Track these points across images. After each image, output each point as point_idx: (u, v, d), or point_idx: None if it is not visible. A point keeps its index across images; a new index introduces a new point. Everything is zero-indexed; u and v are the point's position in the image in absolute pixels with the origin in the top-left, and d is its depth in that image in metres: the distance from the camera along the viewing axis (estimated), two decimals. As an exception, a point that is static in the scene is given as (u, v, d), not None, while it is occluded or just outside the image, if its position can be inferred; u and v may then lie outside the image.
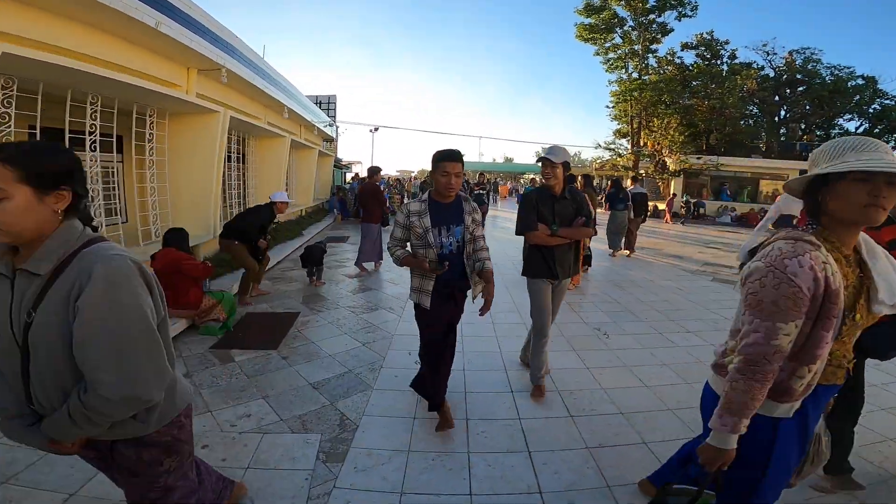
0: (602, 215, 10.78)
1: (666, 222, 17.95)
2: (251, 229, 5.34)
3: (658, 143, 19.47)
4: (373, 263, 7.43)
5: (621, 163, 23.78)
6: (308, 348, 4.17)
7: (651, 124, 20.63)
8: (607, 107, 24.24)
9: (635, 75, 21.84)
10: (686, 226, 17.14)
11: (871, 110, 20.96)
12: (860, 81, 20.49)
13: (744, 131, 21.63)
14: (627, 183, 14.15)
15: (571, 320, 5.21)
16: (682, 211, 17.87)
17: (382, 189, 8.11)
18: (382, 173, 15.50)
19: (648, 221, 13.12)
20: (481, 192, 10.81)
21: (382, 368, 3.78)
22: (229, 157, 8.55)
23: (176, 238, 4.43)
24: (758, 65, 20.74)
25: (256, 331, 4.55)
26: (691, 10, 20.36)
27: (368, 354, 4.06)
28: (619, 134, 24.58)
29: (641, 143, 21.82)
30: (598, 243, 10.76)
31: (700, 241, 12.79)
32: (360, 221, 7.31)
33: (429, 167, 2.77)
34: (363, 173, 14.61)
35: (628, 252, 9.73)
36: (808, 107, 21.98)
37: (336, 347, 4.20)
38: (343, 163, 28.26)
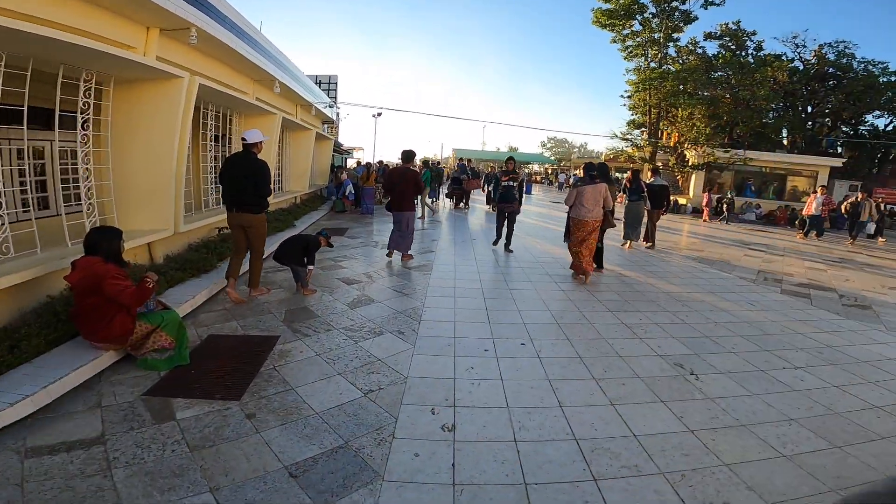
0: (621, 207, 10.20)
1: (704, 221, 16.65)
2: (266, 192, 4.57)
3: (682, 135, 18.10)
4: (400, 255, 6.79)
5: (638, 154, 22.45)
6: (285, 399, 2.89)
7: (671, 115, 19.26)
8: (622, 96, 22.93)
9: (654, 65, 20.43)
10: (730, 224, 15.79)
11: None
12: (893, 78, 19.05)
13: (770, 125, 20.24)
14: (647, 175, 13.13)
15: (640, 351, 3.96)
16: (725, 208, 16.48)
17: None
18: (384, 160, 14.00)
19: (678, 218, 11.82)
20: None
21: (395, 439, 2.52)
22: (216, 138, 7.24)
23: (101, 241, 3.13)
24: (787, 57, 19.33)
25: (214, 367, 3.26)
26: None
27: (372, 411, 2.79)
28: (634, 125, 23.24)
29: (660, 135, 20.45)
30: (612, 240, 9.59)
31: (738, 242, 11.49)
32: (395, 210, 6.63)
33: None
34: (368, 159, 13.27)
35: (648, 244, 9.23)
36: (836, 102, 20.58)
37: (326, 398, 2.92)
38: (343, 147, 26.82)
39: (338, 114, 27.00)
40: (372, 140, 73.77)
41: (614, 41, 21.68)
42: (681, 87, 18.81)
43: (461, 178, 14.26)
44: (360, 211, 12.12)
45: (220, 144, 7.63)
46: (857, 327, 5.07)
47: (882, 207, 13.89)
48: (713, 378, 3.52)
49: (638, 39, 20.93)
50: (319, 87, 20.41)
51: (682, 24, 20.02)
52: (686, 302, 5.58)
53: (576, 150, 64.49)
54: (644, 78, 19.59)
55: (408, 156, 6.77)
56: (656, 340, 4.24)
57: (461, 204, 14.44)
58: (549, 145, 67.97)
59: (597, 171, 6.10)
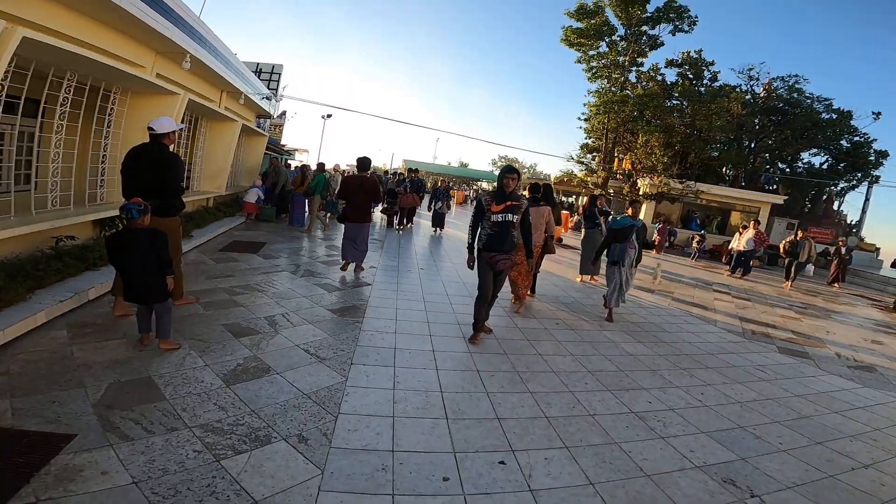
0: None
1: (655, 254, 16.19)
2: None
3: (640, 162, 17.83)
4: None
5: (591, 179, 22.21)
6: None
7: (626, 140, 19.08)
8: (580, 118, 22.75)
9: (614, 89, 20.34)
10: (697, 262, 15.02)
11: (840, 146, 20.70)
12: (835, 115, 20.10)
13: (721, 157, 20.63)
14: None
15: (668, 462, 2.64)
16: (696, 244, 15.71)
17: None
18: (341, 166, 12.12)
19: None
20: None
21: None
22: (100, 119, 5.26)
23: None
24: (741, 89, 19.89)
25: None
26: (689, 25, 19.17)
27: None
28: (587, 149, 23.07)
29: (615, 161, 20.25)
30: (558, 266, 8.61)
31: (700, 281, 10.83)
32: (354, 222, 6.10)
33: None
34: (318, 164, 11.46)
35: (589, 277, 8.29)
36: (780, 138, 21.40)
37: None
38: (286, 148, 24.62)
39: (284, 112, 24.81)
40: (319, 143, 70.45)
41: (579, 61, 21.52)
42: (640, 112, 18.67)
43: (397, 190, 11.83)
44: (288, 221, 10.26)
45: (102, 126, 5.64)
46: (881, 398, 4.36)
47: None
48: (783, 500, 2.28)
49: (603, 61, 20.83)
50: (259, 76, 18.23)
51: (647, 49, 20.10)
52: (691, 371, 4.38)
53: (526, 170, 65.32)
54: (605, 101, 19.33)
55: (363, 164, 6.27)
56: (683, 440, 2.95)
57: (402, 223, 11.72)
58: (499, 164, 68.31)
59: (542, 192, 5.82)
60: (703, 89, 19.68)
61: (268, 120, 23.82)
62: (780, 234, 20.32)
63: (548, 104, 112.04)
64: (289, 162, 16.71)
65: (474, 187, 39.46)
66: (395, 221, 11.77)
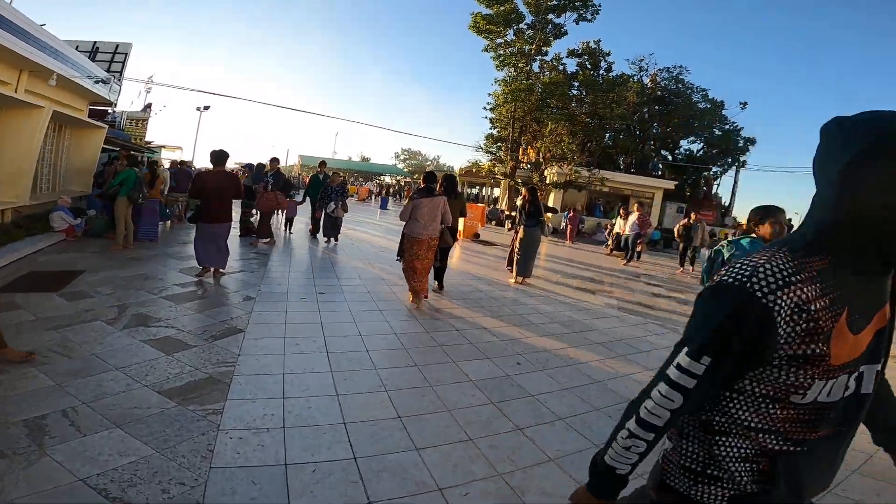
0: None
1: (569, 244, 15.87)
2: None
3: (549, 151, 17.54)
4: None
5: (500, 169, 21.73)
6: None
7: (532, 129, 18.79)
8: (485, 108, 22.11)
9: (520, 78, 20.07)
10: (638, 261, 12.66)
11: (714, 133, 22.62)
12: (708, 105, 21.88)
13: (618, 145, 21.34)
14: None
15: None
16: (642, 244, 12.81)
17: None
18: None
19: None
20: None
21: None
22: None
23: None
24: (634, 80, 20.71)
25: None
26: (592, 14, 19.36)
27: None
28: (493, 139, 22.55)
29: (521, 150, 19.92)
30: (483, 268, 7.55)
31: (627, 274, 10.42)
32: (213, 222, 5.55)
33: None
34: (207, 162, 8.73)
35: (521, 279, 7.28)
36: (664, 127, 22.78)
37: None
38: (152, 145, 20.68)
39: (149, 105, 20.67)
40: (195, 139, 62.07)
41: (487, 49, 21.01)
42: (546, 100, 18.46)
43: (255, 188, 8.63)
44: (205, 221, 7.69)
45: None
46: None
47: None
48: None
49: (510, 49, 20.54)
50: (95, 56, 14.50)
51: (552, 38, 20.07)
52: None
53: (430, 162, 64.57)
54: (513, 89, 18.88)
55: (219, 157, 5.78)
56: None
57: (267, 234, 8.32)
58: (402, 157, 66.59)
59: (445, 183, 5.84)
60: (601, 79, 20.13)
61: (124, 112, 19.53)
62: (671, 218, 21.72)
63: (450, 94, 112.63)
64: (154, 160, 13.34)
65: (377, 182, 37.35)
66: (253, 231, 8.56)
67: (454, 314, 5.09)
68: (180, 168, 11.57)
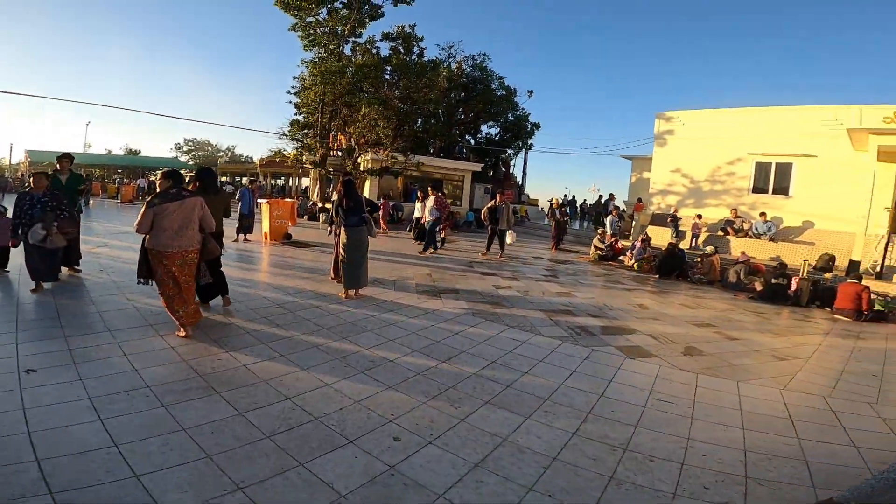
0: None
1: (384, 230, 15.02)
2: None
3: (363, 137, 16.31)
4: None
5: (308, 157, 19.62)
6: None
7: (343, 114, 17.36)
8: (290, 92, 19.81)
9: (331, 59, 18.37)
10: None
11: (508, 118, 24.82)
12: (504, 92, 23.82)
13: (429, 130, 21.46)
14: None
15: None
16: (445, 229, 12.04)
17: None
18: None
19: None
20: None
21: None
22: None
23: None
24: (444, 66, 20.96)
25: None
26: None
27: None
28: (299, 125, 20.26)
29: (332, 137, 18.27)
30: (302, 279, 6.37)
31: (459, 264, 10.18)
32: None
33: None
34: None
35: (354, 292, 6.03)
36: (467, 112, 23.95)
37: None
38: None
39: None
40: None
41: (295, 28, 18.64)
42: (359, 83, 17.18)
43: None
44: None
45: None
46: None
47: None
48: None
49: (322, 29, 18.61)
50: None
51: (367, 20, 18.75)
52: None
53: (222, 153, 56.16)
54: (323, 70, 16.97)
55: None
56: None
57: None
58: (185, 147, 56.05)
59: (200, 178, 4.98)
60: (414, 64, 19.85)
61: None
62: (480, 198, 23.22)
63: (244, 75, 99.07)
64: None
65: (150, 178, 30.17)
66: None
67: (252, 353, 3.64)
68: None
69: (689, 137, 15.18)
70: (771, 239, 12.56)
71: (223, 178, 44.41)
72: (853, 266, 9.95)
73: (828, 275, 10.16)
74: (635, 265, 11.07)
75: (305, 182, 31.71)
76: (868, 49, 74.56)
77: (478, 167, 21.48)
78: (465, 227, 19.24)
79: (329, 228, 6.76)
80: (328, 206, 18.01)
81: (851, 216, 10.82)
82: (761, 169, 13.80)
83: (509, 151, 26.66)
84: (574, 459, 2.64)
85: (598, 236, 12.65)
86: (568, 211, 24.46)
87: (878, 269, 9.59)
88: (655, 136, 16.13)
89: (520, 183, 28.75)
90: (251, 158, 51.54)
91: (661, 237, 12.99)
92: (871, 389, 4.14)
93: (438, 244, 11.25)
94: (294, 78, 20.39)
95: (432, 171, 20.37)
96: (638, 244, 11.46)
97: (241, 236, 10.67)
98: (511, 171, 28.34)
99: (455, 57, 22.96)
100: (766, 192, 13.73)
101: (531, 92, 24.99)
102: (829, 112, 12.62)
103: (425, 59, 20.16)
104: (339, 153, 18.69)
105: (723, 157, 14.39)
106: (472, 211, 21.07)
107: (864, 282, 7.97)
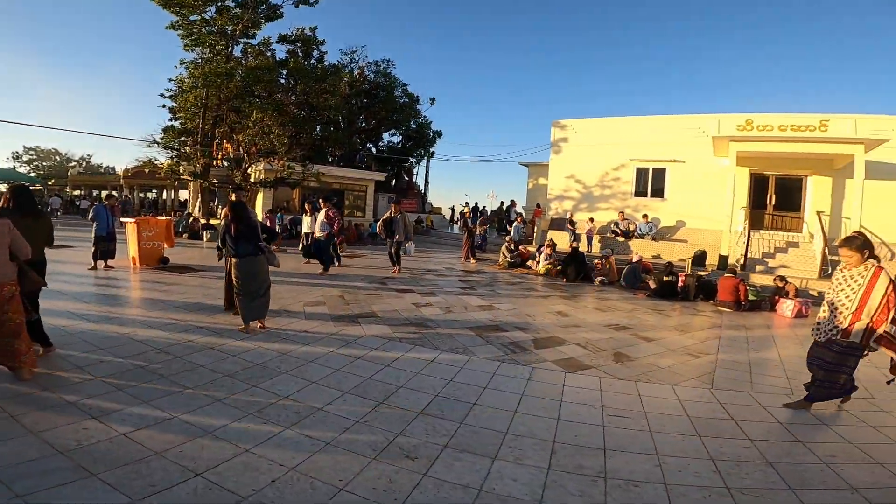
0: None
1: (276, 247, 13.64)
2: None
3: (254, 144, 14.73)
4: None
5: (187, 167, 17.29)
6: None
7: (230, 120, 15.64)
8: (164, 95, 17.36)
9: (216, 61, 16.40)
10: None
11: (410, 126, 24.59)
12: (407, 99, 23.49)
13: (330, 138, 20.27)
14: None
15: None
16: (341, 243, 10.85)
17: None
18: None
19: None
20: None
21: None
22: None
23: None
24: (346, 70, 19.96)
25: None
26: None
27: None
28: (175, 132, 17.86)
29: (216, 145, 16.33)
30: (187, 310, 5.49)
31: (369, 280, 9.57)
32: None
33: None
34: None
35: (260, 324, 5.24)
36: (369, 119, 23.24)
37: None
38: None
39: None
40: None
41: (175, 26, 16.40)
42: (249, 87, 15.57)
43: None
44: None
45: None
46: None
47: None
48: None
49: (208, 28, 16.55)
50: None
51: (263, 20, 17.12)
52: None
53: (75, 163, 47.84)
54: (206, 72, 14.98)
55: None
56: None
57: None
58: (26, 157, 46.59)
59: (13, 198, 4.11)
60: (314, 68, 18.65)
61: None
62: (385, 209, 22.64)
63: (101, 76, 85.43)
64: None
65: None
66: None
67: (131, 417, 2.78)
68: None
69: (582, 144, 16.38)
70: (653, 238, 13.96)
71: (76, 192, 38.00)
72: (723, 260, 11.40)
73: (702, 272, 11.50)
74: (542, 270, 11.45)
75: (184, 195, 28.22)
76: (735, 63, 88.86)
77: (381, 176, 20.90)
78: (369, 240, 18.50)
79: (218, 254, 5.78)
80: (214, 221, 16.04)
81: (718, 215, 12.41)
82: (641, 174, 15.38)
83: (411, 160, 26.51)
84: (560, 499, 2.34)
85: (507, 244, 12.91)
86: (473, 220, 25.00)
87: (742, 262, 11.08)
88: (552, 144, 17.13)
89: (423, 192, 28.78)
90: (112, 169, 44.94)
91: (561, 241, 13.70)
92: (781, 380, 4.53)
93: (336, 261, 10.35)
94: (170, 80, 18.15)
95: (333, 181, 19.32)
96: (546, 249, 11.88)
97: (101, 263, 8.72)
98: (414, 180, 28.25)
99: (358, 62, 22.22)
100: (646, 195, 15.31)
101: (433, 99, 25.28)
102: (694, 121, 14.49)
103: (326, 63, 19.16)
104: (225, 163, 16.83)
105: (610, 163, 15.75)
106: (375, 222, 20.42)
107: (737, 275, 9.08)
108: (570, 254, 11.19)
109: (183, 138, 17.71)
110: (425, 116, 25.08)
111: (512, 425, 3.19)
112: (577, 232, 14.60)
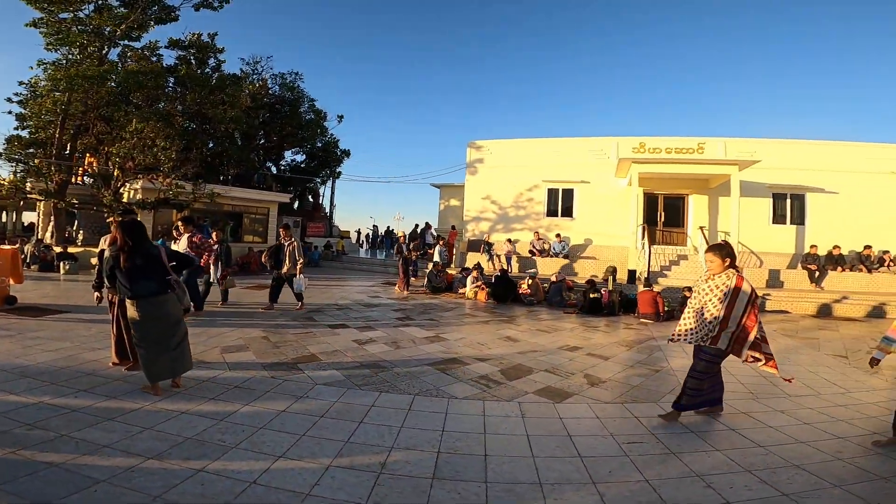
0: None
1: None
2: None
3: (132, 159, 12.43)
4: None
5: (36, 184, 14.10)
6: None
7: (97, 130, 13.14)
8: (11, 100, 14.22)
9: (86, 63, 13.67)
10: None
11: (316, 145, 23.09)
12: (314, 116, 22.04)
13: (228, 154, 18.08)
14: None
15: None
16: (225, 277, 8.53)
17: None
18: None
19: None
20: None
21: None
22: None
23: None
24: (248, 81, 17.97)
25: None
26: (219, 1, 15.18)
27: None
28: (22, 143, 14.58)
29: (76, 158, 13.60)
30: (61, 360, 4.34)
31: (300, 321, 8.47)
32: None
33: None
34: None
35: (174, 381, 4.10)
36: (269, 135, 21.43)
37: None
38: None
39: None
40: None
41: (38, 23, 13.59)
42: (126, 94, 13.21)
43: None
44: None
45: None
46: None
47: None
48: None
49: (81, 27, 13.86)
50: None
51: (152, 22, 14.80)
52: None
53: None
54: (72, 74, 12.30)
55: None
56: None
57: None
58: None
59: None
60: (210, 76, 16.59)
61: None
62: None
63: None
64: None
65: None
66: None
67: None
68: None
69: (497, 165, 16.84)
70: (566, 256, 14.70)
71: None
72: (631, 275, 12.33)
73: (610, 284, 12.31)
74: (471, 294, 11.27)
75: (30, 217, 23.23)
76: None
77: (286, 198, 19.24)
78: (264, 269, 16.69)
79: (96, 295, 4.52)
80: (73, 249, 13.25)
81: (620, 232, 13.48)
82: (552, 194, 16.24)
83: (317, 180, 25.03)
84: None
85: (432, 268, 12.55)
86: (385, 241, 24.07)
87: (645, 276, 12.08)
88: (467, 165, 17.33)
89: (328, 214, 27.31)
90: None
91: (481, 264, 13.75)
92: (744, 386, 4.75)
93: (221, 300, 8.45)
94: (21, 83, 14.88)
95: (228, 202, 17.28)
96: (474, 272, 11.75)
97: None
98: (321, 202, 26.68)
99: (261, 73, 20.40)
100: (557, 215, 16.17)
101: (341, 117, 24.24)
102: (596, 143, 15.75)
103: (225, 72, 17.25)
104: (90, 180, 14.12)
105: (523, 183, 16.39)
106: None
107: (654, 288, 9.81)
108: (499, 276, 11.21)
109: (32, 150, 14.47)
110: (332, 134, 23.95)
111: (540, 473, 2.78)
112: (497, 253, 14.80)
